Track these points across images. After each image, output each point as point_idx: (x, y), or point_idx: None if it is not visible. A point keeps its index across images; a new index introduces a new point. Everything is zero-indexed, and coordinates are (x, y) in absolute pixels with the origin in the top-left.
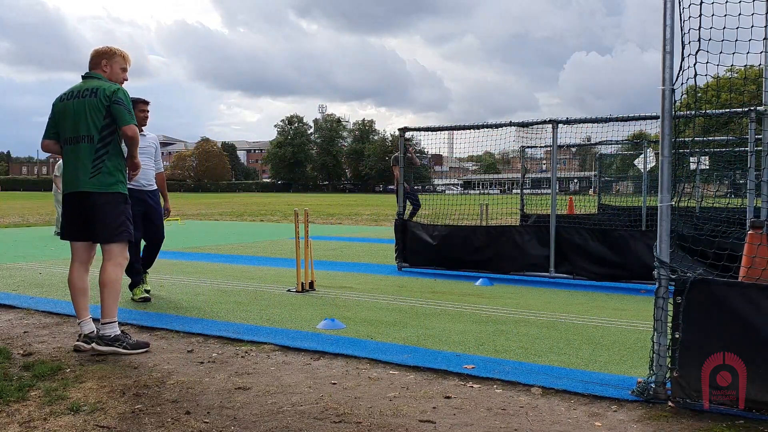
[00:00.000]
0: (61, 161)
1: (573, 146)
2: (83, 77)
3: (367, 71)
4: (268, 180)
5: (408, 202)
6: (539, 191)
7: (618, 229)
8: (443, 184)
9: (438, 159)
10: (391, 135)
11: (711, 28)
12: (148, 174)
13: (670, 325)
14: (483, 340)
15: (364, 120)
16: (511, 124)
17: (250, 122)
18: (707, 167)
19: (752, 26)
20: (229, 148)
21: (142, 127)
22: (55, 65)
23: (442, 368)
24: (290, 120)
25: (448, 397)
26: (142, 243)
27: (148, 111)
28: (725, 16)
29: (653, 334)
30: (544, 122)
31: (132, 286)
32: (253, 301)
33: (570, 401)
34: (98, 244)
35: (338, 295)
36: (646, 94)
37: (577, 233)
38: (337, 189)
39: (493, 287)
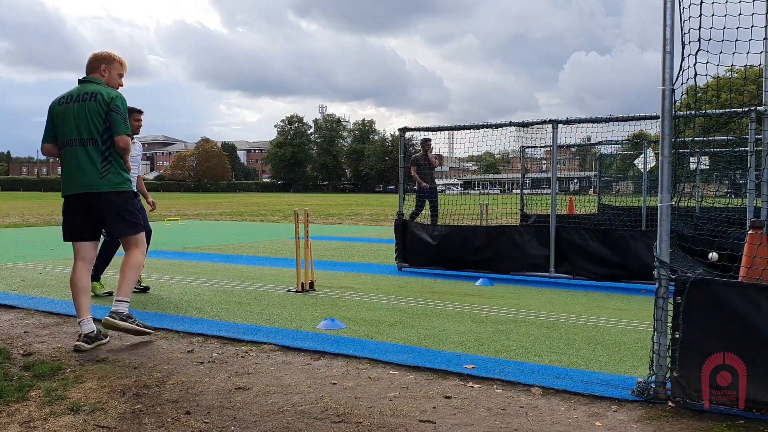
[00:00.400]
0: None
1: (573, 146)
2: (81, 81)
3: (367, 71)
4: (268, 180)
5: (427, 203)
6: (539, 191)
7: (618, 229)
8: (443, 184)
9: (438, 159)
10: (391, 135)
11: (711, 28)
12: (134, 180)
13: (670, 325)
14: (483, 340)
15: (364, 120)
16: (511, 124)
17: (250, 122)
18: (707, 167)
19: (752, 26)
20: (229, 148)
21: (133, 136)
22: (54, 65)
23: (442, 368)
24: (290, 120)
25: (448, 397)
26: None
27: (141, 120)
28: (725, 16)
29: (653, 334)
30: (544, 122)
31: (94, 280)
32: (253, 301)
33: (570, 401)
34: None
35: (338, 295)
36: (646, 94)
37: (577, 233)
38: (337, 189)
39: (493, 287)
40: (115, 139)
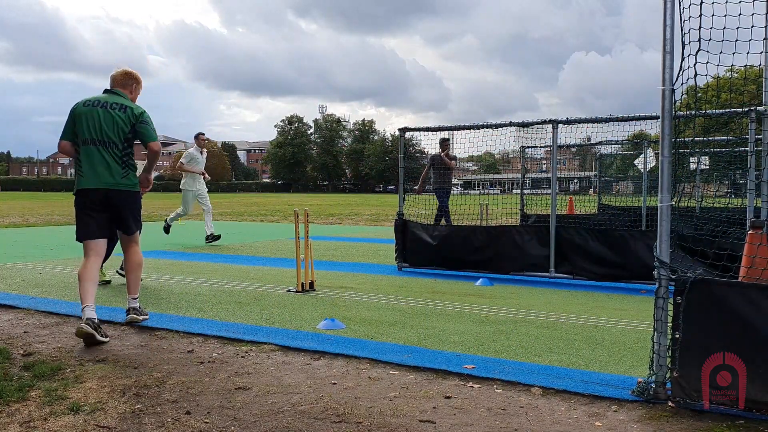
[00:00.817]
0: (191, 150)
1: (573, 146)
2: (109, 91)
3: (366, 71)
4: (268, 180)
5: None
6: (539, 191)
7: (618, 229)
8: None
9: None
10: (391, 135)
11: (711, 28)
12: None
13: (670, 325)
14: (483, 340)
15: (364, 120)
16: (511, 124)
17: (250, 122)
18: (707, 167)
19: (752, 26)
20: (229, 148)
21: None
22: (54, 65)
23: (442, 368)
24: (290, 120)
25: (449, 397)
26: None
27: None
28: (725, 16)
29: (653, 334)
30: (544, 122)
31: None
32: (253, 301)
33: (570, 401)
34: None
35: (338, 295)
36: (646, 94)
37: (577, 233)
38: (337, 189)
39: (493, 287)
40: (149, 144)
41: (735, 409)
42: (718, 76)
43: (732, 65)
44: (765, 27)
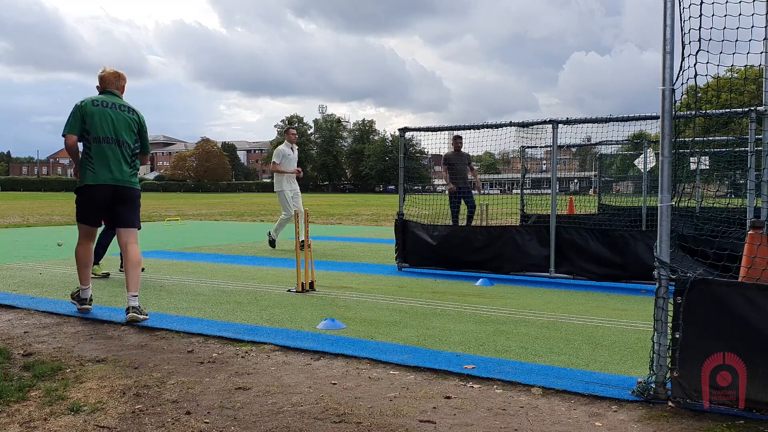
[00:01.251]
0: (281, 147)
1: (573, 146)
2: (109, 92)
3: (366, 71)
4: (269, 180)
5: (463, 203)
6: (539, 191)
7: (618, 229)
8: (443, 185)
9: (438, 159)
10: (391, 135)
11: (711, 28)
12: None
13: (670, 325)
14: (483, 340)
15: (364, 120)
16: (511, 124)
17: (250, 122)
18: (707, 167)
19: (752, 26)
20: (229, 149)
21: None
22: (53, 65)
23: (442, 368)
24: (290, 120)
25: (449, 397)
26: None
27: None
28: (725, 16)
29: (653, 334)
30: (544, 122)
31: (94, 264)
32: (253, 301)
33: (570, 401)
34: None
35: (338, 295)
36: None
37: (577, 233)
38: (337, 189)
39: (493, 287)
40: (143, 156)
41: (735, 409)
42: (718, 76)
43: (732, 65)
44: (765, 27)
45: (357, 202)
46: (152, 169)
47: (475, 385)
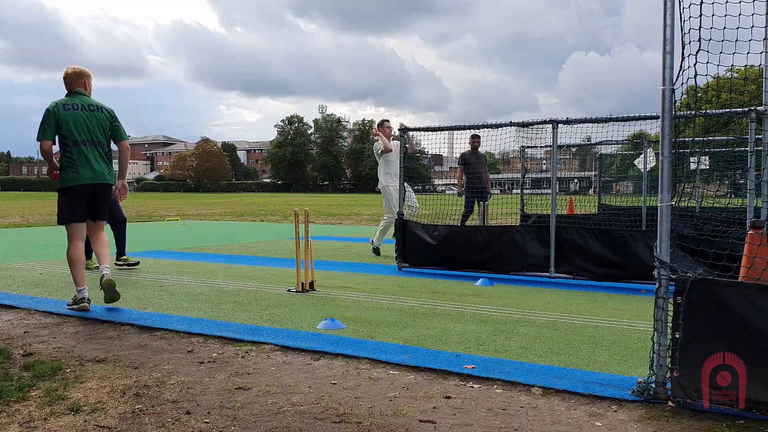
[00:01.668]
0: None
1: (573, 146)
2: (73, 93)
3: (366, 71)
4: (268, 180)
5: (476, 203)
6: (539, 191)
7: (618, 229)
8: (443, 184)
9: (438, 159)
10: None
11: (711, 28)
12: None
13: (670, 325)
14: (483, 340)
15: (364, 120)
16: (511, 124)
17: (249, 122)
18: (707, 167)
19: (752, 26)
20: (229, 148)
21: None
22: (53, 65)
23: (442, 368)
24: (290, 120)
25: (449, 397)
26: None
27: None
28: (725, 16)
29: (653, 334)
30: (544, 122)
31: (87, 258)
32: (253, 301)
33: (570, 401)
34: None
35: (338, 295)
36: (646, 94)
37: (577, 233)
38: (337, 189)
39: (493, 287)
40: (121, 143)
41: (735, 409)
42: (718, 76)
43: (732, 65)
44: (765, 27)
45: (357, 202)
46: (152, 169)
47: (475, 385)
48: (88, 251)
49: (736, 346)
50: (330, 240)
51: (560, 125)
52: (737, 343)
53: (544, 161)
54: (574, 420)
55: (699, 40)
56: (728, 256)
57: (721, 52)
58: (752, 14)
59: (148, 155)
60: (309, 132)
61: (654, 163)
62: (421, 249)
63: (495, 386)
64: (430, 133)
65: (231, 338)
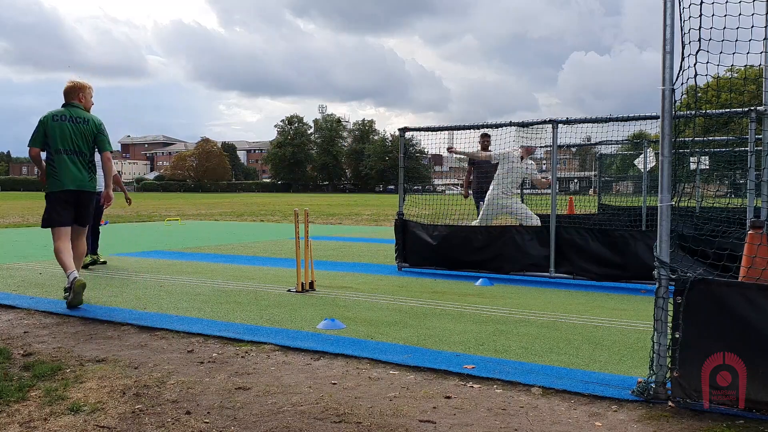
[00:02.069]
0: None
1: (573, 146)
2: (67, 105)
3: (365, 71)
4: (268, 180)
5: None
6: (539, 191)
7: (618, 229)
8: (443, 184)
9: (438, 159)
10: (391, 135)
11: (711, 28)
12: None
13: (670, 325)
14: (483, 340)
15: (364, 120)
16: (511, 124)
17: (249, 122)
18: (707, 167)
19: (752, 26)
20: (229, 148)
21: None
22: (53, 65)
23: (442, 368)
24: (290, 120)
25: (449, 397)
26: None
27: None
28: (725, 16)
29: (653, 334)
30: (544, 122)
31: (93, 254)
32: (253, 301)
33: (570, 401)
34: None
35: (338, 295)
36: (646, 94)
37: (577, 233)
38: (337, 189)
39: (493, 287)
40: (103, 153)
41: (735, 409)
42: (718, 76)
43: (732, 65)
44: (765, 27)
45: (357, 202)
46: (152, 169)
47: (475, 385)
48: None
49: (736, 346)
50: (330, 240)
51: (560, 125)
52: (737, 343)
53: (544, 161)
54: (574, 420)
55: (699, 40)
56: (728, 256)
57: (721, 52)
58: (752, 14)
59: (148, 155)
60: (309, 132)
61: (654, 163)
62: (421, 249)
63: (495, 386)
64: (430, 133)
65: (231, 338)
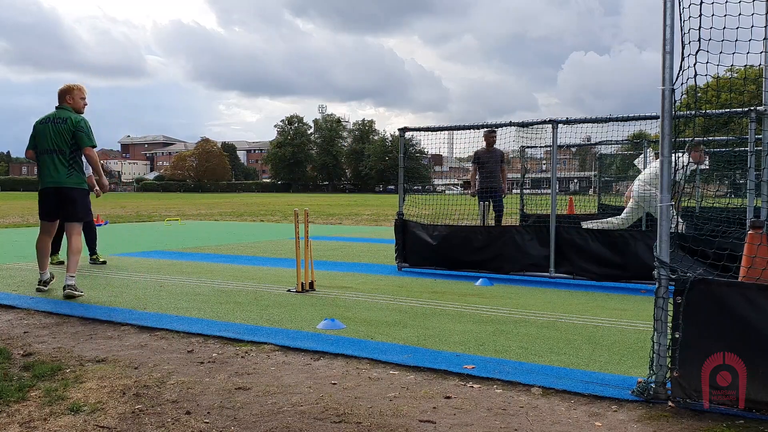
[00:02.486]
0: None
1: (573, 146)
2: (59, 107)
3: (365, 71)
4: (268, 180)
5: (490, 205)
6: (539, 191)
7: (618, 229)
8: (443, 184)
9: (438, 159)
10: (391, 135)
11: (711, 28)
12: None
13: (670, 325)
14: (483, 340)
15: (363, 120)
16: (511, 124)
17: (249, 122)
18: (707, 167)
19: (752, 26)
20: (229, 149)
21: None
22: (52, 65)
23: (442, 368)
24: (290, 120)
25: (449, 397)
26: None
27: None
28: (725, 16)
29: (653, 334)
30: (544, 122)
31: (93, 253)
32: (253, 301)
33: (570, 401)
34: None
35: (338, 295)
36: (646, 94)
37: (577, 233)
38: (337, 189)
39: (493, 287)
40: (84, 149)
41: (735, 409)
42: (718, 76)
43: (732, 65)
44: (765, 27)
45: (357, 202)
46: (152, 169)
47: (475, 385)
48: (56, 246)
49: (736, 346)
50: (330, 240)
51: (560, 125)
52: (737, 343)
53: (544, 161)
54: (574, 420)
55: (699, 40)
56: (728, 256)
57: (721, 52)
58: (752, 14)
59: (147, 155)
60: (309, 132)
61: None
62: (421, 249)
63: (495, 386)
64: (430, 133)
65: (231, 338)
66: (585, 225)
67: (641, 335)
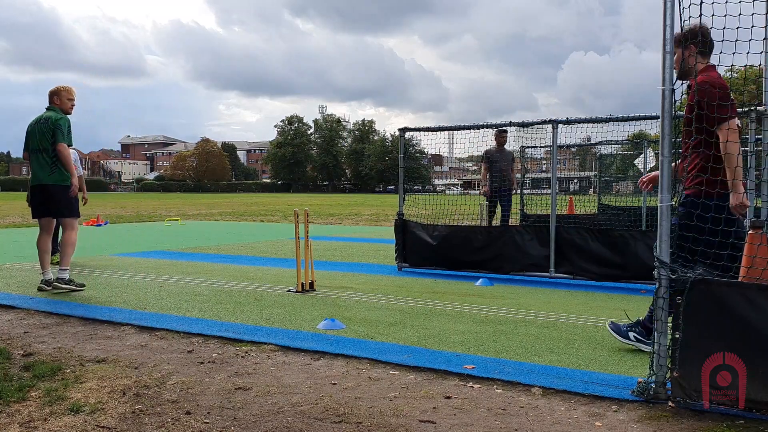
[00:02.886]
0: None
1: (573, 146)
2: (46, 108)
3: (365, 71)
4: (268, 180)
5: (498, 206)
6: (539, 191)
7: (618, 229)
8: (443, 184)
9: (438, 159)
10: (391, 135)
11: (711, 28)
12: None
13: (670, 325)
14: (483, 340)
15: (363, 120)
16: (511, 124)
17: (249, 122)
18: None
19: (752, 26)
20: (229, 149)
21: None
22: (52, 65)
23: (442, 368)
24: (290, 120)
25: (449, 397)
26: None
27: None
28: (725, 16)
29: (653, 334)
30: (544, 122)
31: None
32: (253, 301)
33: (570, 401)
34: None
35: (338, 295)
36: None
37: (577, 233)
38: (337, 189)
39: (493, 287)
40: (56, 145)
41: (735, 409)
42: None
43: (732, 65)
44: (765, 27)
45: (357, 202)
46: (152, 170)
47: (475, 385)
48: (56, 246)
49: (736, 346)
50: (330, 240)
51: (560, 125)
52: (737, 343)
53: (544, 161)
54: (574, 420)
55: (699, 40)
56: (728, 256)
57: (721, 52)
58: (752, 14)
59: (147, 155)
60: (309, 132)
61: (654, 163)
62: (421, 249)
63: (495, 386)
64: (430, 133)
65: (231, 338)
66: None
67: None
